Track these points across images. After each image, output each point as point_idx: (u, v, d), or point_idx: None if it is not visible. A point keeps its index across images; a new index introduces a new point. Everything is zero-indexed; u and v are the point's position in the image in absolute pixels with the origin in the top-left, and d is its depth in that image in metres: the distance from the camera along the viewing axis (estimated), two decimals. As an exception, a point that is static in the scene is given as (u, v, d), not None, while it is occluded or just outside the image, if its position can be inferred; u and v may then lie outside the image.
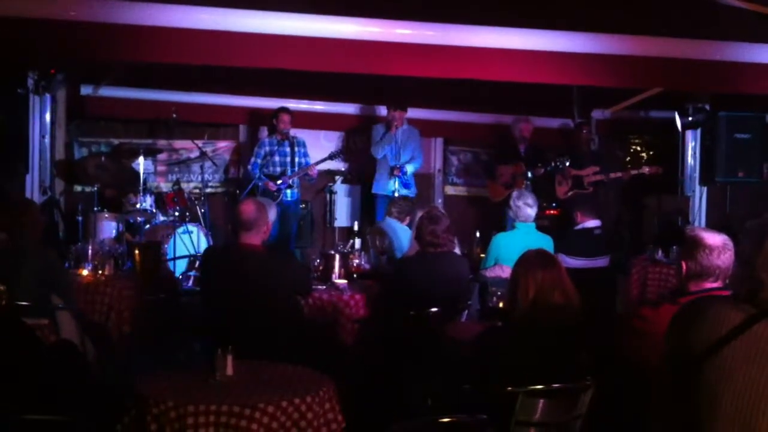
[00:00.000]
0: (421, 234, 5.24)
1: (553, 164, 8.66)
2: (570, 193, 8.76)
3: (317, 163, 8.62)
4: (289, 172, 8.51)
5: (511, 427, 3.20)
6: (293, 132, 8.67)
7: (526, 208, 6.18)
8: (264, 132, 9.47)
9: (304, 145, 8.79)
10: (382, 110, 9.11)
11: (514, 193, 6.42)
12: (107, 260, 5.80)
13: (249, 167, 8.65)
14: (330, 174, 9.73)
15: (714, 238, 3.29)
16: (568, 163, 8.66)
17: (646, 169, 8.61)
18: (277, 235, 8.19)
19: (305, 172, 8.55)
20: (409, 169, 8.79)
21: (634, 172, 8.73)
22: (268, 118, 8.96)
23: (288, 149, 8.60)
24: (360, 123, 9.69)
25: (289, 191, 8.57)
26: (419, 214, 5.57)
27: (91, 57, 6.65)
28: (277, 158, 8.58)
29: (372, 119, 9.46)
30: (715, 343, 2.08)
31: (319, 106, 9.57)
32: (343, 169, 9.92)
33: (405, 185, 8.65)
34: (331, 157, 8.74)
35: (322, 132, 9.91)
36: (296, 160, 8.61)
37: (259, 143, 8.79)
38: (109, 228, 7.57)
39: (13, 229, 4.71)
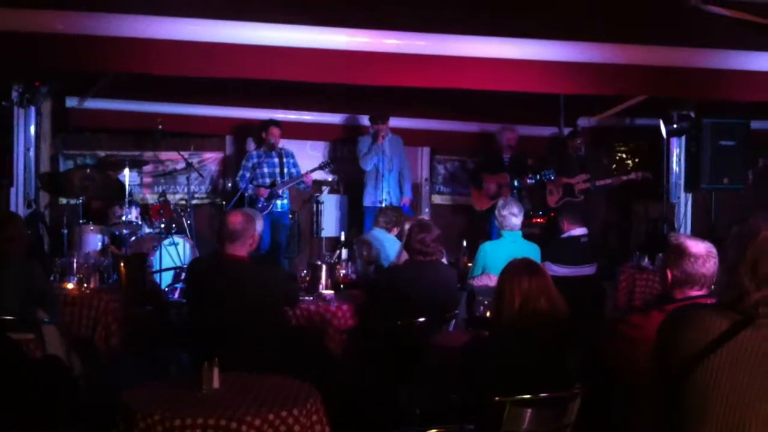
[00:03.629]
0: (410, 242, 5.24)
1: (539, 176, 8.69)
2: (561, 201, 8.78)
3: (312, 171, 8.63)
4: (279, 182, 8.51)
5: (499, 437, 3.19)
6: (280, 143, 8.67)
7: (511, 217, 6.19)
8: (251, 145, 9.47)
9: (293, 156, 8.82)
10: (367, 120, 9.14)
11: (499, 203, 6.41)
12: (92, 273, 5.78)
13: (237, 180, 8.66)
14: (317, 184, 9.73)
15: (698, 246, 3.29)
16: (553, 177, 8.70)
17: (634, 175, 8.64)
18: (267, 246, 8.20)
19: (300, 180, 8.56)
20: (406, 191, 8.91)
21: (624, 177, 8.77)
22: (256, 129, 8.95)
23: (276, 160, 8.61)
24: (346, 133, 9.70)
25: (279, 202, 8.56)
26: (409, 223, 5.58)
27: (77, 69, 6.64)
28: (266, 170, 8.59)
29: (358, 129, 9.47)
30: (701, 351, 2.09)
31: (306, 117, 9.56)
32: (330, 179, 9.92)
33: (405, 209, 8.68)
34: (321, 167, 8.77)
35: (308, 142, 9.94)
36: (285, 170, 8.62)
37: (246, 156, 8.80)
38: (94, 240, 7.53)
39: (-3, 243, 4.69)
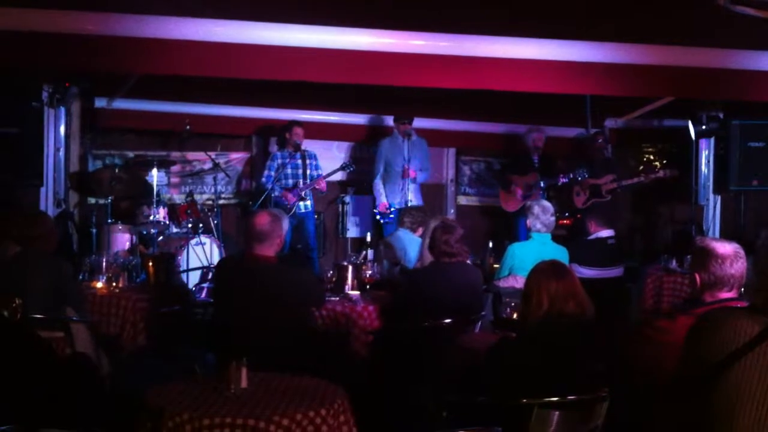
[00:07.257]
0: (434, 243, 5.23)
1: (572, 175, 8.64)
2: (589, 203, 8.72)
3: (328, 175, 8.64)
4: (301, 184, 8.53)
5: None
6: (304, 144, 8.68)
7: (552, 218, 6.24)
8: (274, 146, 9.50)
9: (316, 158, 8.83)
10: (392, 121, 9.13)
11: (536, 207, 6.29)
12: (121, 272, 5.83)
13: (262, 180, 8.67)
14: (342, 185, 9.74)
15: (725, 248, 3.26)
16: (587, 175, 8.64)
17: (662, 173, 8.56)
18: (290, 246, 8.21)
19: (316, 185, 8.56)
20: (418, 177, 8.76)
21: (651, 175, 8.67)
22: (281, 130, 8.98)
23: (300, 161, 8.62)
24: (372, 133, 9.69)
25: (302, 203, 8.57)
26: (433, 224, 5.56)
27: (106, 70, 6.70)
28: (289, 171, 8.60)
29: (384, 129, 9.46)
30: (732, 354, 2.07)
31: (332, 117, 9.57)
32: (354, 180, 9.90)
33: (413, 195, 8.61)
34: (342, 168, 8.75)
35: (334, 143, 9.94)
36: (308, 172, 8.63)
37: (271, 157, 8.83)
38: (122, 240, 7.58)
39: (26, 241, 4.74)
